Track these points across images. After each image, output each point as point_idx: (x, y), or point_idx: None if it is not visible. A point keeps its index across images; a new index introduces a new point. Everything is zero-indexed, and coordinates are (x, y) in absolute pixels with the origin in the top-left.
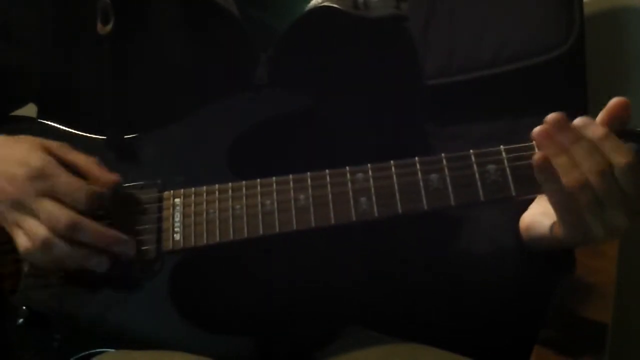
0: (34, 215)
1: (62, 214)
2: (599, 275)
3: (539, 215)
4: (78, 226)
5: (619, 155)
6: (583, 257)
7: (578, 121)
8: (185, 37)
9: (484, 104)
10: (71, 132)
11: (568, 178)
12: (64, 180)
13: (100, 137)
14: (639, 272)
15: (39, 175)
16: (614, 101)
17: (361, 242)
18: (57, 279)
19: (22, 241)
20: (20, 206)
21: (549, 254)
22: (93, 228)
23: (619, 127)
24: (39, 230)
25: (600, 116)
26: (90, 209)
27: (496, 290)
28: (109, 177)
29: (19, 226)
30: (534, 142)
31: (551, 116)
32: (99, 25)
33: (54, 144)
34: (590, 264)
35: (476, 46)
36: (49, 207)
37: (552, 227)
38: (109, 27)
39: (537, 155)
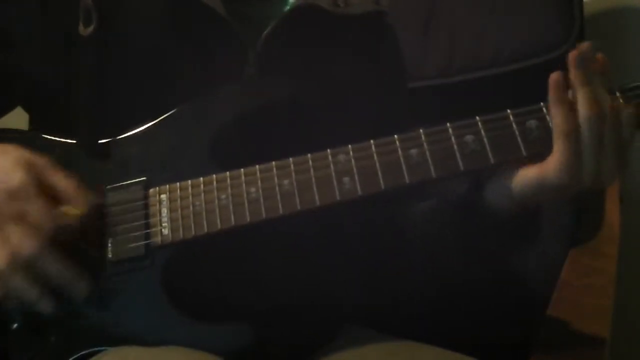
0: (3, 238)
1: (27, 245)
2: (599, 275)
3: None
4: (37, 261)
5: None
6: (583, 257)
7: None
8: (170, 36)
9: (483, 104)
10: (58, 140)
11: (590, 107)
12: (39, 204)
13: (74, 139)
14: (639, 272)
15: (15, 196)
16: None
17: (360, 240)
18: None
19: None
20: None
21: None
22: (54, 265)
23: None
24: (1, 257)
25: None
26: (56, 239)
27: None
28: (83, 203)
29: None
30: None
31: (587, 43)
32: (81, 27)
33: (38, 162)
34: (590, 264)
35: (476, 47)
36: (18, 234)
37: (524, 170)
38: (91, 28)
39: (555, 73)
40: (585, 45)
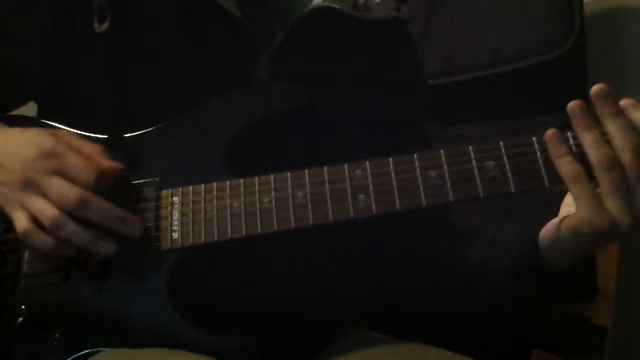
0: (43, 194)
1: (71, 191)
2: (599, 275)
3: (553, 222)
4: (87, 202)
5: None
6: None
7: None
8: (185, 36)
9: (484, 104)
10: (71, 130)
11: (599, 153)
12: (74, 159)
13: (100, 135)
14: (639, 272)
15: (49, 154)
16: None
17: (362, 242)
18: (56, 278)
19: (21, 222)
20: (29, 185)
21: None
22: (102, 205)
23: None
24: (48, 209)
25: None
26: (98, 189)
27: (501, 299)
28: (113, 164)
29: (24, 207)
30: (533, 138)
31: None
32: (96, 24)
33: (61, 131)
34: None
35: (476, 46)
36: (59, 184)
37: (562, 221)
38: (106, 25)
39: (550, 130)
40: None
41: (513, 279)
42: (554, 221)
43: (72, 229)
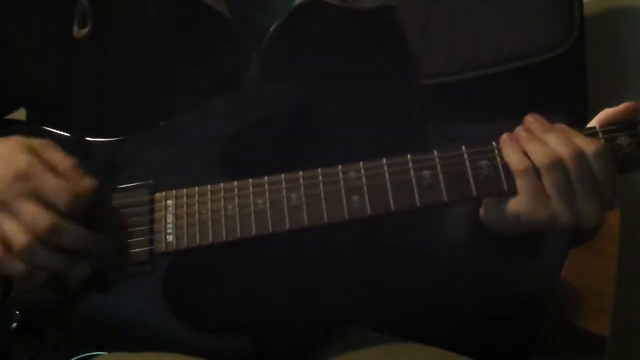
0: (15, 218)
1: (43, 218)
2: (599, 275)
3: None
4: (60, 230)
5: (587, 141)
6: (583, 257)
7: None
8: (172, 37)
9: (483, 103)
10: (60, 134)
11: (541, 156)
12: (49, 181)
13: (92, 139)
14: (639, 272)
15: (23, 176)
16: (628, 104)
17: (359, 242)
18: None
19: None
20: (2, 208)
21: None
22: (75, 231)
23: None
24: (18, 235)
25: (608, 113)
26: (73, 212)
27: (479, 282)
28: (84, 181)
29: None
30: None
31: (529, 114)
32: (75, 29)
33: (37, 143)
34: (590, 263)
35: (476, 46)
36: (31, 210)
37: (512, 210)
38: (85, 30)
39: (505, 134)
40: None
41: (466, 245)
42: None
43: (42, 255)
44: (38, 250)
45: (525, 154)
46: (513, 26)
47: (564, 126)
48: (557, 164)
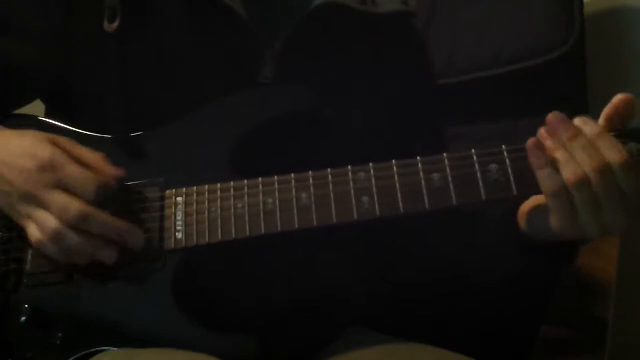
0: (45, 207)
1: (72, 205)
2: (599, 275)
3: (536, 208)
4: (88, 216)
5: (614, 153)
6: (583, 257)
7: (577, 120)
8: (191, 35)
9: (484, 104)
10: (73, 130)
11: (568, 171)
12: (73, 171)
13: (105, 135)
14: (639, 272)
15: (48, 167)
16: (618, 97)
17: (362, 242)
18: (59, 277)
19: (34, 232)
20: (30, 198)
21: (548, 245)
22: (103, 218)
23: (620, 126)
24: (50, 221)
25: (605, 111)
26: (99, 200)
27: (497, 285)
28: (114, 171)
29: (30, 218)
30: None
31: (552, 113)
32: (105, 23)
33: (59, 137)
34: (590, 263)
35: (477, 47)
36: (59, 199)
37: (546, 222)
38: (115, 24)
39: (531, 139)
40: (550, 115)
41: (497, 253)
42: (527, 207)
43: (72, 240)
44: (67, 235)
45: (553, 165)
46: (513, 28)
47: (589, 128)
48: (584, 182)
